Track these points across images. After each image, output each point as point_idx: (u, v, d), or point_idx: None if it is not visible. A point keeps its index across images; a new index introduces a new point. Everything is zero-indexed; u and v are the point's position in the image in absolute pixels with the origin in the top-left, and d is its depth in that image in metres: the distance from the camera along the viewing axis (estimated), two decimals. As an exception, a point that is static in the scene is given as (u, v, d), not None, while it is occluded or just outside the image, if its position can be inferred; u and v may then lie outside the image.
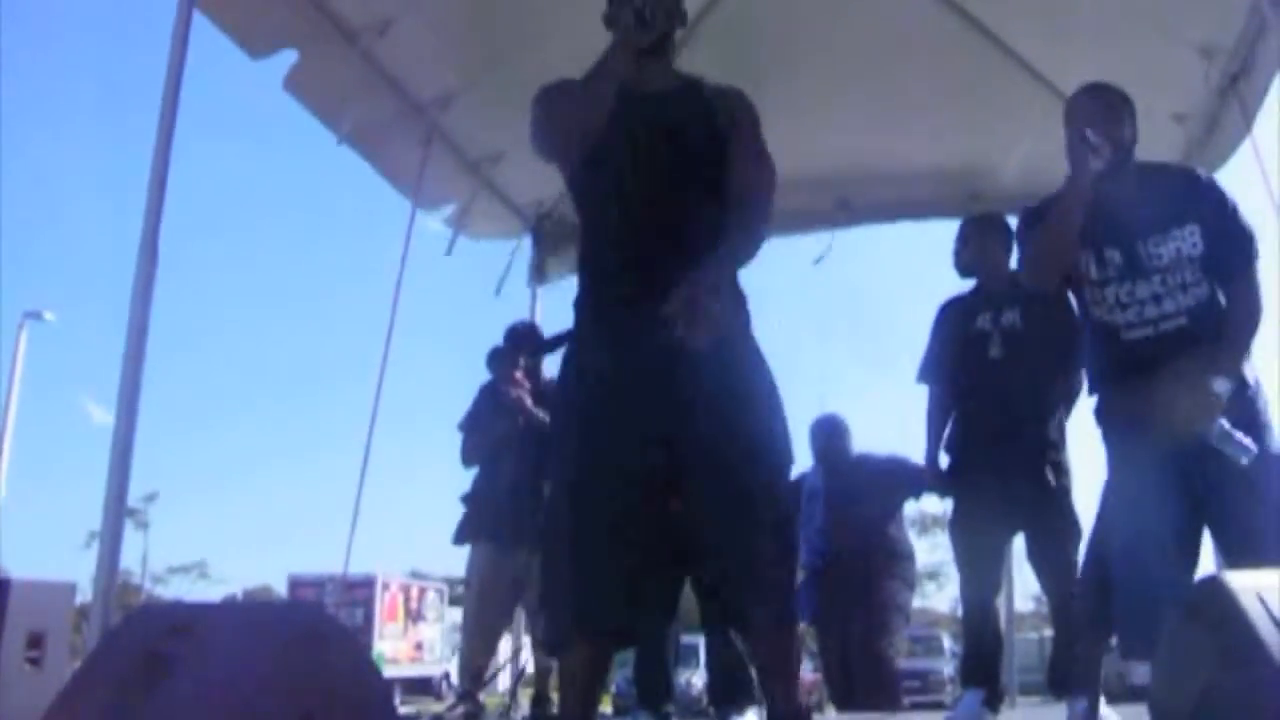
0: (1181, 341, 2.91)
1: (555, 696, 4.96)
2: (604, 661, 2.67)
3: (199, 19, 3.33)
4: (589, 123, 2.55)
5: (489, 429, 4.98)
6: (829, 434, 5.55)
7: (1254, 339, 2.91)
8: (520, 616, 5.29)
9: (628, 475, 2.45)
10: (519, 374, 5.01)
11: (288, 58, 3.99)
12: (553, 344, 2.87)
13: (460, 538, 4.99)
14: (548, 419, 4.88)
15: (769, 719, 2.66)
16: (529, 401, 4.93)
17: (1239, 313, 2.91)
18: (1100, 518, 3.28)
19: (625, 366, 2.47)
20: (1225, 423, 2.76)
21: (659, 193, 2.56)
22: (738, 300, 2.60)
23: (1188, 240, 2.92)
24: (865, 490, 5.38)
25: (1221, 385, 2.77)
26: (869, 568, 5.31)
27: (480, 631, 4.98)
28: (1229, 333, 2.90)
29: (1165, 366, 2.86)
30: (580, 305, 2.67)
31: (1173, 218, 2.94)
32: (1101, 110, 3.01)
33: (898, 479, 5.28)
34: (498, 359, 5.09)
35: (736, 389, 2.50)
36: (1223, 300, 2.93)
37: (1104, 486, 3.17)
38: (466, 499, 5.02)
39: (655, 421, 2.45)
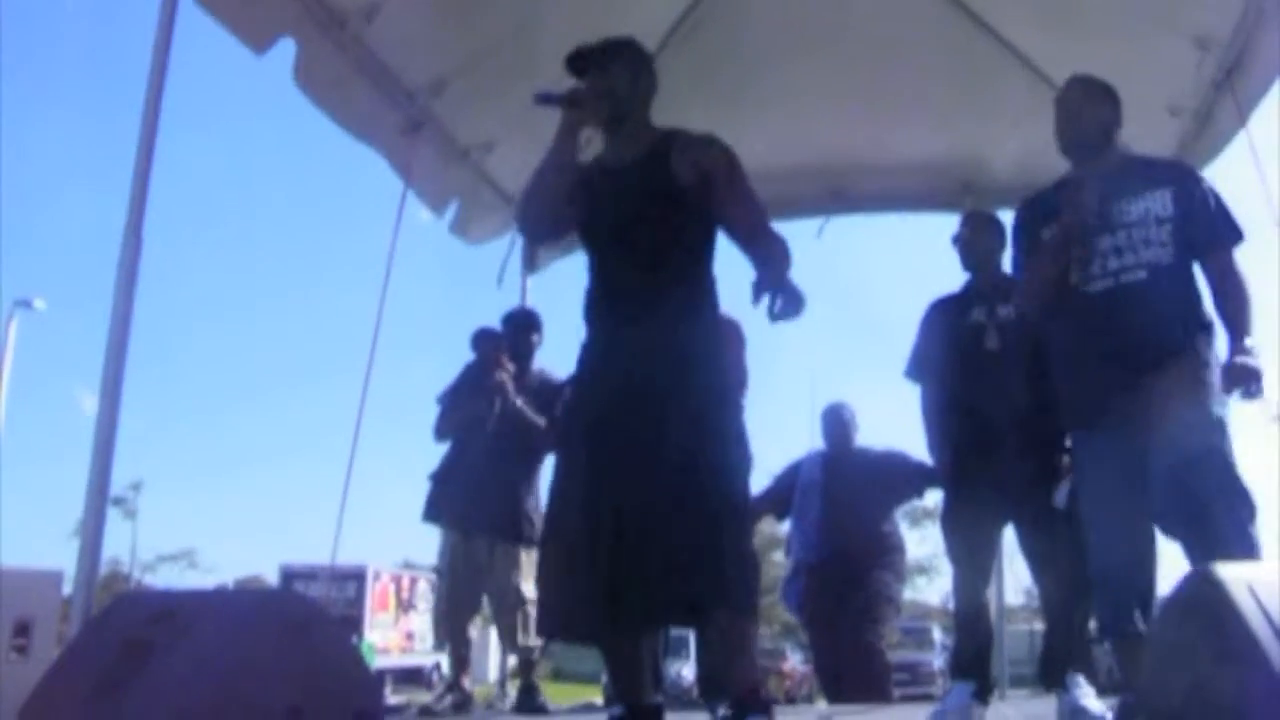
0: (1141, 296, 2.99)
1: (541, 685, 4.97)
2: (629, 648, 2.84)
3: (187, 8, 3.29)
4: (563, 207, 2.88)
5: (464, 406, 4.94)
6: (845, 423, 5.52)
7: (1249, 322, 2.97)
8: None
9: (602, 477, 2.69)
10: (504, 358, 4.96)
11: (288, 49, 3.92)
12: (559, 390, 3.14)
13: (427, 515, 4.97)
14: (526, 407, 4.86)
15: (730, 704, 2.73)
16: (511, 387, 4.89)
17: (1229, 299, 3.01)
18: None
19: (610, 385, 2.79)
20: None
21: (627, 259, 2.84)
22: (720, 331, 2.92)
23: (1157, 201, 3.05)
24: (864, 485, 5.34)
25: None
26: (861, 561, 5.29)
27: (451, 618, 4.95)
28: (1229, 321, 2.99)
29: (1122, 323, 2.97)
30: (583, 346, 2.95)
31: (1148, 183, 3.08)
32: (1080, 96, 3.23)
33: (897, 475, 5.24)
34: (483, 339, 5.04)
35: (695, 403, 2.72)
36: (1196, 273, 3.04)
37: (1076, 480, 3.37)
38: (433, 476, 4.99)
39: (625, 429, 2.70)
